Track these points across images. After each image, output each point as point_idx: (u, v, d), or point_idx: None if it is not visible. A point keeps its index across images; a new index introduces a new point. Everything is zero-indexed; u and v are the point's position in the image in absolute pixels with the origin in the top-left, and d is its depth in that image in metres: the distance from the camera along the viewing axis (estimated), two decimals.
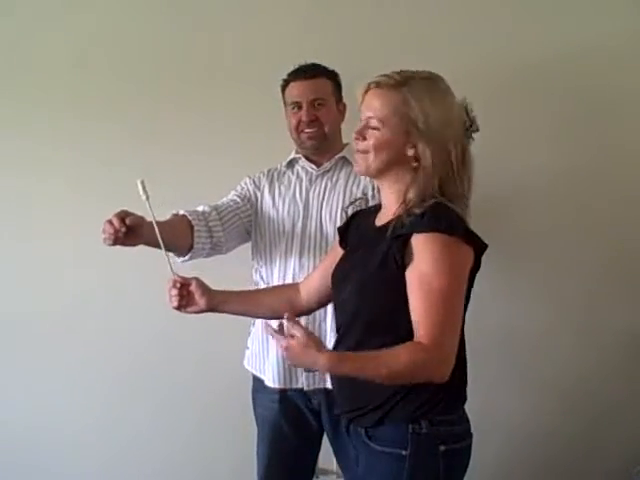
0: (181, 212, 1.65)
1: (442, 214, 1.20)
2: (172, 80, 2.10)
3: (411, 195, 1.23)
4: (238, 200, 1.79)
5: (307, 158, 1.81)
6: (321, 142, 1.76)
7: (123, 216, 1.37)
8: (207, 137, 2.10)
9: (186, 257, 1.64)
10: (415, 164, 1.23)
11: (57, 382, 2.20)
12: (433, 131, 1.21)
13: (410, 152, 1.23)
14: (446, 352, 1.15)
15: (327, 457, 1.85)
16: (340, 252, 1.43)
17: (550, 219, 2.13)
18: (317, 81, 1.74)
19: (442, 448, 1.19)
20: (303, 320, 1.67)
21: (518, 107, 2.09)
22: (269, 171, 1.86)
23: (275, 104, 1.82)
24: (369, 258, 1.26)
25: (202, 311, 1.47)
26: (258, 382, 1.81)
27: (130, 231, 1.36)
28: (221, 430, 2.19)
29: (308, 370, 1.68)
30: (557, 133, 2.11)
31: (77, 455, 2.24)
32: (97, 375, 2.19)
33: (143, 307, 2.12)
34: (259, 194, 1.81)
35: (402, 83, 1.23)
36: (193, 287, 1.44)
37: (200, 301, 1.45)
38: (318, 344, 1.17)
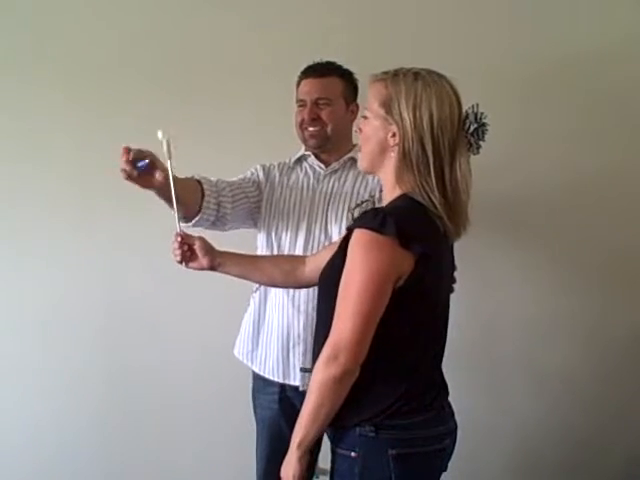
0: (195, 177, 1.61)
1: (389, 210, 1.18)
2: (177, 75, 2.12)
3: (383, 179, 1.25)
4: (249, 183, 1.78)
5: (316, 156, 1.80)
6: (323, 141, 1.75)
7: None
8: (211, 135, 2.11)
9: (190, 223, 1.61)
10: (393, 154, 1.22)
11: (46, 380, 2.23)
12: (410, 121, 1.18)
13: (391, 141, 1.22)
14: (344, 345, 1.13)
15: (327, 457, 1.84)
16: None
17: (557, 220, 2.13)
18: (327, 80, 1.73)
19: (392, 452, 1.18)
20: (302, 323, 1.70)
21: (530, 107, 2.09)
22: (279, 164, 1.85)
23: (285, 99, 1.83)
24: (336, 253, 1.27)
25: (203, 269, 1.51)
26: (258, 382, 1.82)
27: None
28: (221, 430, 2.21)
29: (304, 370, 1.69)
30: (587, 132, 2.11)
31: (70, 454, 2.26)
32: (91, 374, 2.23)
33: (142, 305, 2.18)
34: (268, 184, 1.80)
35: (393, 75, 1.22)
36: (197, 246, 1.48)
37: (203, 260, 1.48)
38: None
